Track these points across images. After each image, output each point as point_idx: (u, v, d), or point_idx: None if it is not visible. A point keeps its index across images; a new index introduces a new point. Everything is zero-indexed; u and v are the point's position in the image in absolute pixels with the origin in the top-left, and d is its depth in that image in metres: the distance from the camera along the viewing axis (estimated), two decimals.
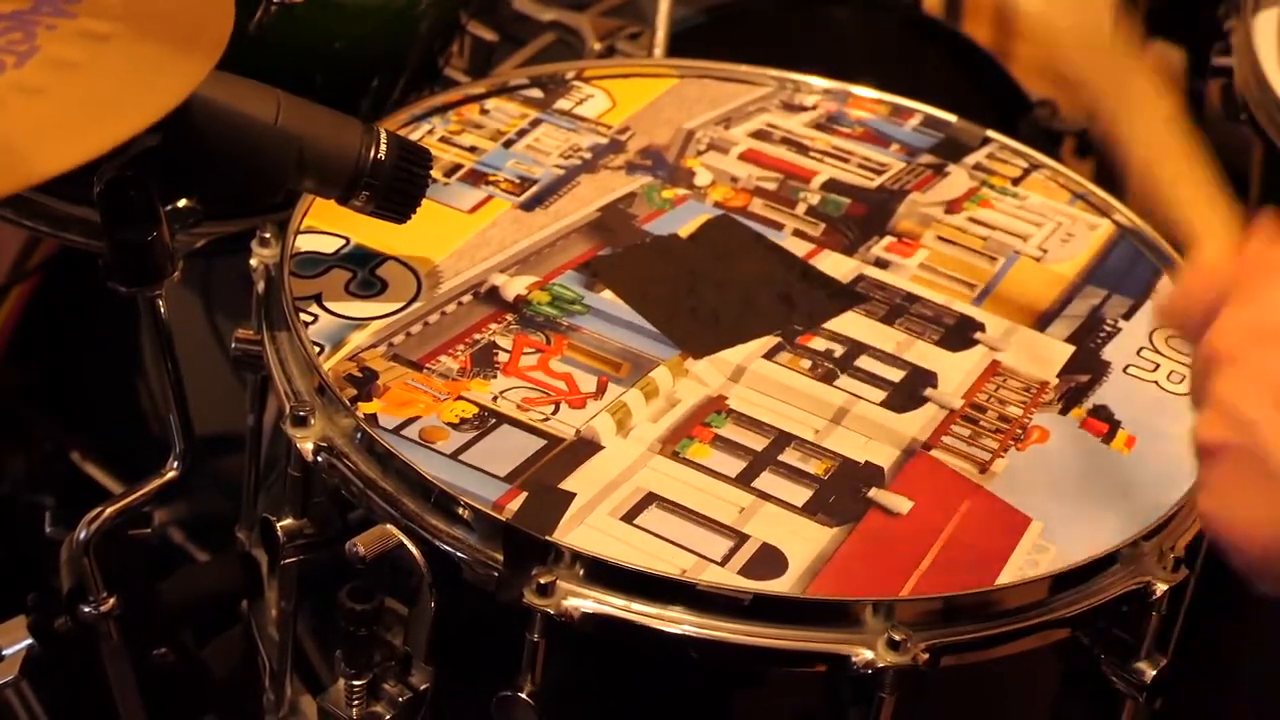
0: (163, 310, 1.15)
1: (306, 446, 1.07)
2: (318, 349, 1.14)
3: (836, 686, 1.01)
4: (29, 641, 1.21)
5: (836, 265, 1.29)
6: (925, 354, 1.21)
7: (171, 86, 0.99)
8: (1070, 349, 1.24)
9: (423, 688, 1.08)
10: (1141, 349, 1.24)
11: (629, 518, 1.05)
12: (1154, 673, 1.06)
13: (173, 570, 1.33)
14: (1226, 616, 1.20)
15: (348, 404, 1.09)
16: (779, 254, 1.29)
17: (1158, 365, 1.23)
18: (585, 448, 1.10)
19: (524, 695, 1.01)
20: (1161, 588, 1.05)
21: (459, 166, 1.33)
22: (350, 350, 1.15)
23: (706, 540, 1.04)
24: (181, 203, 1.13)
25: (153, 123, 0.97)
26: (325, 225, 1.25)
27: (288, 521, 1.11)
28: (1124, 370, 1.22)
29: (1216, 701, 1.28)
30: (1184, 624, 1.11)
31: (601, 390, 1.14)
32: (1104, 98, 0.98)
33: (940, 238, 1.33)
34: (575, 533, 1.03)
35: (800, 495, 1.08)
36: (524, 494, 1.05)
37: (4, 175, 0.93)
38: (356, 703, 1.07)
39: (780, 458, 1.11)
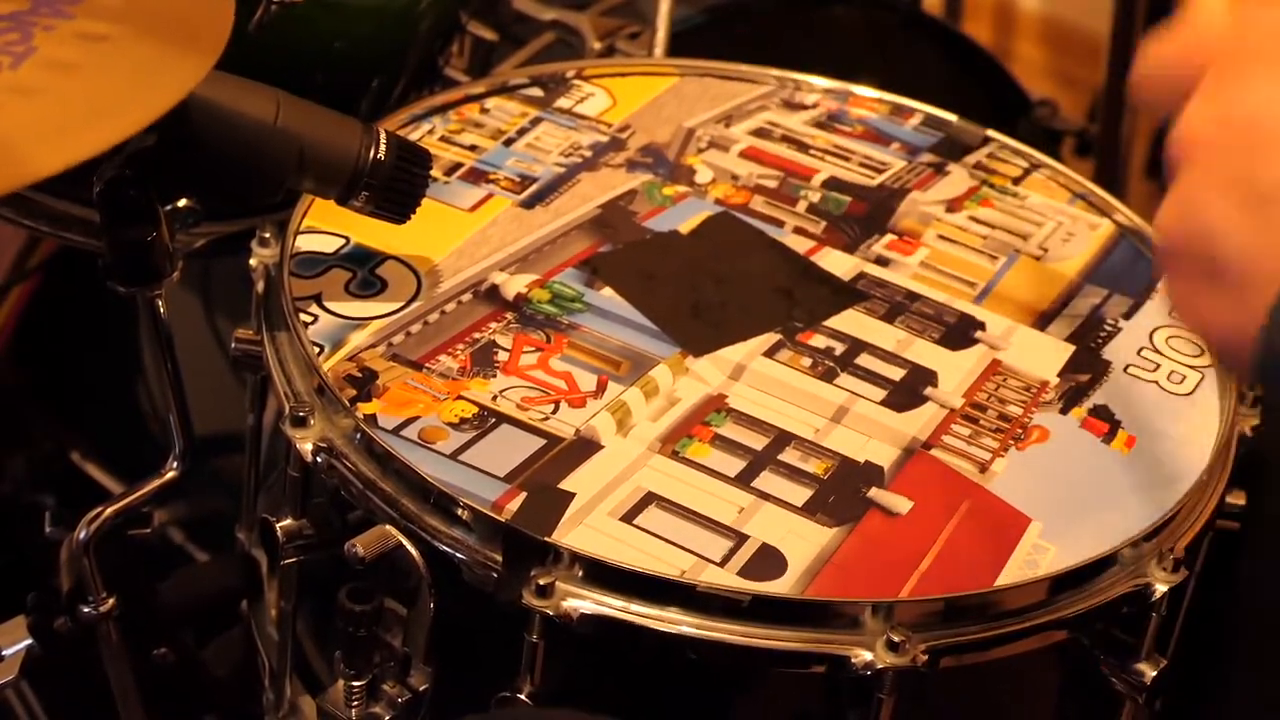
0: (162, 310, 1.15)
1: (306, 447, 1.07)
2: (317, 349, 1.14)
3: (835, 688, 1.01)
4: (29, 641, 1.21)
5: (837, 263, 1.29)
6: (925, 352, 1.21)
7: (170, 87, 0.99)
8: (1070, 348, 1.24)
9: (422, 689, 1.08)
10: (1142, 349, 1.24)
11: (628, 518, 1.05)
12: (1154, 674, 1.05)
13: (173, 570, 1.33)
14: (1225, 615, 1.20)
15: (347, 404, 1.09)
16: (780, 251, 1.29)
17: (1158, 365, 1.23)
18: (585, 447, 1.10)
19: (523, 696, 1.01)
20: (1161, 589, 1.05)
21: (459, 165, 1.33)
22: (350, 350, 1.15)
23: (706, 540, 1.04)
24: (181, 203, 1.13)
25: (149, 124, 0.97)
26: (325, 225, 1.25)
27: (287, 522, 1.11)
28: (1124, 370, 1.22)
29: (1215, 702, 1.27)
30: (1183, 624, 1.11)
31: (601, 389, 1.14)
32: None
33: (941, 236, 1.33)
34: (574, 533, 1.03)
35: (800, 495, 1.08)
36: (523, 494, 1.05)
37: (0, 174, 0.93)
38: (355, 703, 1.07)
39: (780, 457, 1.11)
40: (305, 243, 1.23)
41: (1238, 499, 1.14)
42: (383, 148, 1.17)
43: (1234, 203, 0.73)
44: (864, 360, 1.20)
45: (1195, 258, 0.77)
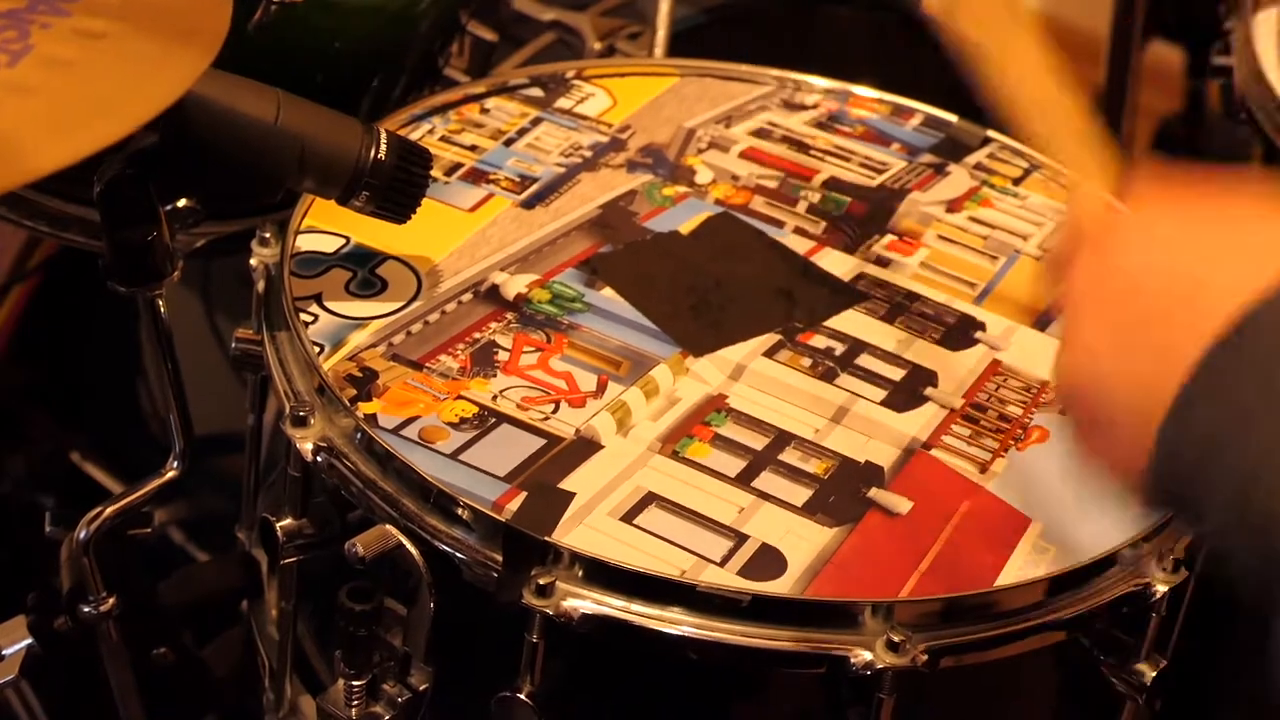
0: (163, 310, 1.15)
1: (306, 446, 1.07)
2: (317, 349, 1.14)
3: (836, 687, 1.01)
4: (29, 641, 1.21)
5: (837, 263, 1.29)
6: (926, 353, 1.21)
7: (167, 84, 0.99)
8: None
9: (422, 688, 1.08)
10: None
11: (628, 518, 1.05)
12: (1154, 674, 1.05)
13: (173, 570, 1.33)
14: (1224, 615, 1.20)
15: (347, 404, 1.09)
16: (780, 251, 1.29)
17: None
18: (585, 447, 1.09)
19: (523, 696, 1.01)
20: (1161, 589, 1.05)
21: (459, 165, 1.33)
22: (350, 350, 1.15)
23: (706, 540, 1.04)
24: (181, 203, 1.13)
25: (146, 121, 0.97)
26: (325, 225, 1.25)
27: (287, 521, 1.11)
28: None
29: (1215, 702, 1.27)
30: (1183, 625, 1.10)
31: (601, 389, 1.14)
32: (987, 50, 1.05)
33: (941, 236, 1.33)
34: (574, 533, 1.03)
35: (800, 495, 1.08)
36: (523, 494, 1.05)
37: None
38: (356, 703, 1.07)
39: (780, 457, 1.11)
40: (305, 242, 1.23)
41: None
42: (383, 147, 1.17)
43: (1108, 337, 0.85)
44: (864, 360, 1.19)
45: (1088, 400, 0.87)
